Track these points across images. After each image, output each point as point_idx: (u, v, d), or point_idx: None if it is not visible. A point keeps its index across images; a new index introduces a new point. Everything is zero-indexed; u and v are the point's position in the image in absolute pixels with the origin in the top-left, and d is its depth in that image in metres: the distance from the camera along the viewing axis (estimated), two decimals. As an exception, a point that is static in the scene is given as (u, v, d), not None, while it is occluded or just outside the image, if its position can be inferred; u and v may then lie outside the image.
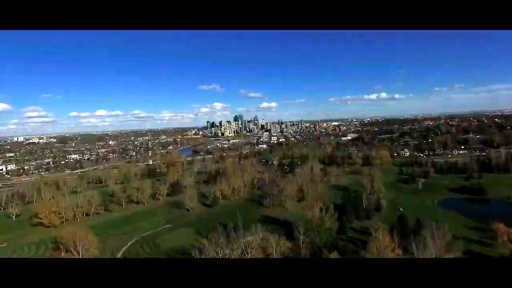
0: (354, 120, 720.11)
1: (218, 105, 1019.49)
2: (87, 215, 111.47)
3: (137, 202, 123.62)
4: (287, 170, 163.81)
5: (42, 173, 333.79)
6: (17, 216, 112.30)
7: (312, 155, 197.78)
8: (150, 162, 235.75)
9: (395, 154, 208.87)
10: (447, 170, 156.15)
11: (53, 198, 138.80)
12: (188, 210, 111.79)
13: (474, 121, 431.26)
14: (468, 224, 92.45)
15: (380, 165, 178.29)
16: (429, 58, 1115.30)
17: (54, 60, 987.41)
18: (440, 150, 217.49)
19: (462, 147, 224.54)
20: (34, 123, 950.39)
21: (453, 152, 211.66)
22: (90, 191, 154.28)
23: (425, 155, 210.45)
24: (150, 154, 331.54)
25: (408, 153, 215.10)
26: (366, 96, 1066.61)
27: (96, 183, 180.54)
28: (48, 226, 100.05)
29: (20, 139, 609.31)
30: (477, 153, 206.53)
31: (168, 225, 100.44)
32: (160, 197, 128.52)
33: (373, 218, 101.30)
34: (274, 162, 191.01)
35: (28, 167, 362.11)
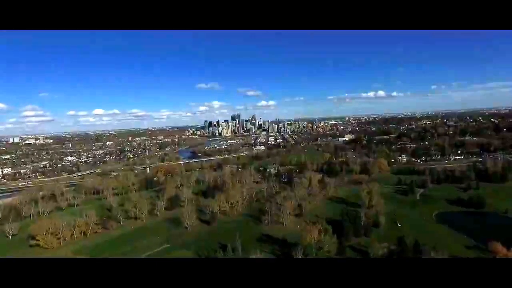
0: (352, 118, 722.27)
1: (216, 103, 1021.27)
2: (84, 234, 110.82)
3: (135, 218, 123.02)
4: (285, 181, 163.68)
5: (39, 177, 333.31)
6: (14, 235, 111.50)
7: (310, 163, 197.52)
8: (148, 171, 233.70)
9: (393, 160, 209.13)
10: (444, 179, 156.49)
11: (50, 213, 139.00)
12: (186, 228, 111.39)
13: (471, 121, 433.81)
14: (466, 243, 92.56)
15: (378, 173, 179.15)
16: (427, 56, 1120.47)
17: (52, 59, 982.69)
18: (437, 156, 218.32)
19: (459, 151, 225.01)
20: (31, 122, 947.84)
21: (450, 157, 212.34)
22: (88, 204, 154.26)
23: (422, 160, 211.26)
24: (147, 160, 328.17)
25: (405, 159, 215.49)
26: (364, 94, 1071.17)
27: (93, 193, 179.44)
28: (46, 248, 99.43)
29: (17, 139, 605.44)
30: (474, 158, 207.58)
31: (166, 245, 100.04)
32: (158, 212, 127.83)
33: (372, 235, 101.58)
34: (271, 170, 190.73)
35: (24, 170, 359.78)
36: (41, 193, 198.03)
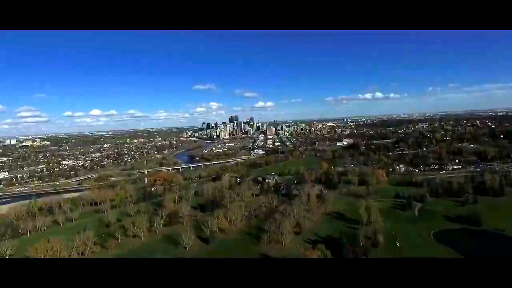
0: (349, 120, 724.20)
1: (213, 104, 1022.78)
2: (82, 254, 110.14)
3: (134, 236, 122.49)
4: (284, 193, 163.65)
5: (36, 182, 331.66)
6: (10, 256, 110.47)
7: (308, 173, 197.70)
8: (146, 181, 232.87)
9: (391, 170, 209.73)
10: (442, 193, 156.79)
11: (47, 228, 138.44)
12: (185, 247, 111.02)
13: (468, 125, 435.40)
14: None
15: (376, 184, 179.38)
16: (423, 58, 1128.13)
17: (48, 59, 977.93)
18: (435, 165, 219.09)
19: (457, 160, 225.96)
20: (27, 123, 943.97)
21: (448, 167, 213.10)
22: (86, 218, 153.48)
23: (420, 170, 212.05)
24: (145, 169, 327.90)
25: (403, 168, 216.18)
26: (361, 96, 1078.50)
27: (91, 205, 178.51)
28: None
29: (13, 141, 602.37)
30: (472, 168, 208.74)
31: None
32: (156, 229, 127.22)
33: (371, 255, 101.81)
34: (270, 181, 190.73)
35: (21, 174, 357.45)
36: (38, 199, 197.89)
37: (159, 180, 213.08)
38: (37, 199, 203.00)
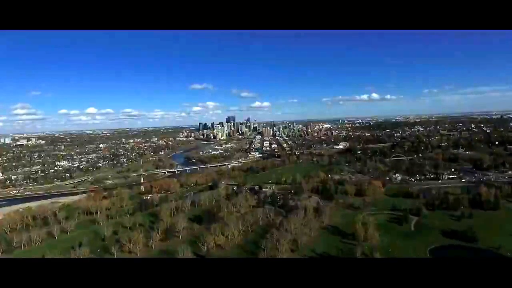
0: (346, 122, 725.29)
1: (210, 104, 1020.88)
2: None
3: (129, 252, 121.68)
4: (281, 204, 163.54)
5: (31, 184, 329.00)
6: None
7: (305, 182, 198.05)
8: (142, 188, 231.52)
9: (387, 179, 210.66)
10: (438, 205, 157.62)
11: (42, 241, 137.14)
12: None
13: (463, 129, 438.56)
14: None
15: (372, 195, 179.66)
16: (420, 59, 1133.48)
17: (44, 57, 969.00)
18: (431, 174, 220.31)
19: (453, 169, 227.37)
20: (22, 120, 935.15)
21: (444, 176, 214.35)
22: (81, 229, 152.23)
23: (416, 179, 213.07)
24: (141, 168, 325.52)
25: (399, 177, 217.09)
26: (358, 97, 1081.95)
27: (86, 214, 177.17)
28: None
29: (8, 140, 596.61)
30: (467, 177, 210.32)
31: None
32: (153, 245, 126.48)
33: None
34: (267, 190, 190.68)
35: (15, 176, 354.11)
36: (33, 205, 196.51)
37: (156, 187, 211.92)
38: (32, 204, 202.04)
